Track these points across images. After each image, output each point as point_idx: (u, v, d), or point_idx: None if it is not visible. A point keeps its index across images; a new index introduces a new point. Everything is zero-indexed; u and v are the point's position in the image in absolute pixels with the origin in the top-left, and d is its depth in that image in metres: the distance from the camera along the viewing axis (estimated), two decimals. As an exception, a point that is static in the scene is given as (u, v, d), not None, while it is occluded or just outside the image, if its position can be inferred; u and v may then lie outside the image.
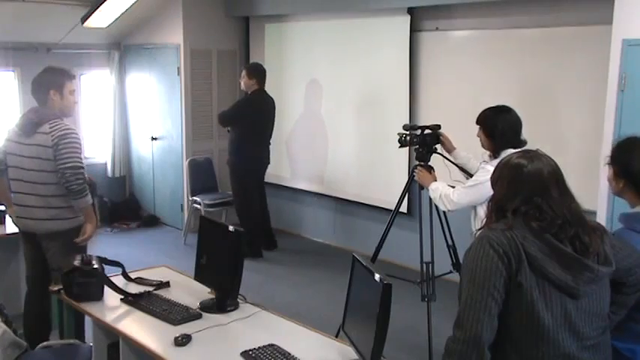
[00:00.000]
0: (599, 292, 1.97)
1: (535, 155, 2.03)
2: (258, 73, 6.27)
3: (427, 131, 3.98)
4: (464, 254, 2.02)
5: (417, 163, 4.00)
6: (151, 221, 7.60)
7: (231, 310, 3.03)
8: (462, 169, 3.94)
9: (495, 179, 2.08)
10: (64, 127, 3.70)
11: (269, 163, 6.51)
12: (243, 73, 6.32)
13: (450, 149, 3.96)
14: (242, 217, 6.35)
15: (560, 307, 1.90)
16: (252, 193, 6.38)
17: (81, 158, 3.71)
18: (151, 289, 3.27)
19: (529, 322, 1.89)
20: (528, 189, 1.96)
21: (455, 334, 1.93)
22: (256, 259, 6.21)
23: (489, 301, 1.88)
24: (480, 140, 3.56)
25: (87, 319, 3.28)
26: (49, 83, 3.77)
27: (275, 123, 6.45)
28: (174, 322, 2.88)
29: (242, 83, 6.32)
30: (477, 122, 3.55)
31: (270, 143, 6.45)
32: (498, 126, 3.44)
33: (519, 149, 3.35)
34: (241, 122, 6.20)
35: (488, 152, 3.56)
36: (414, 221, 4.85)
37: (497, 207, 2.03)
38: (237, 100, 6.44)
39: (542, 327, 1.89)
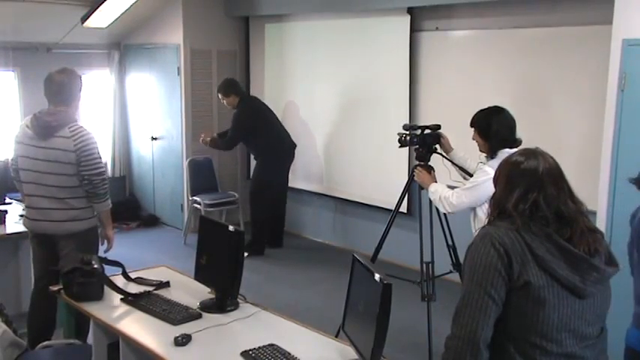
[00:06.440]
0: (603, 292, 1.97)
1: (533, 153, 2.04)
2: (231, 87, 6.31)
3: (427, 131, 3.99)
4: (466, 249, 2.02)
5: (417, 163, 4.00)
6: (151, 221, 7.61)
7: (231, 310, 3.03)
8: (461, 168, 3.95)
9: (496, 178, 2.10)
10: (85, 131, 3.70)
11: (295, 145, 6.51)
12: (220, 95, 6.36)
13: (447, 149, 3.97)
14: (254, 212, 6.40)
15: (568, 307, 1.90)
16: (272, 190, 6.42)
17: (102, 162, 3.78)
18: (150, 289, 3.27)
19: (535, 320, 1.89)
20: (524, 185, 1.96)
21: (452, 330, 1.94)
22: (256, 258, 6.21)
23: (486, 299, 1.89)
24: (476, 142, 3.58)
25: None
26: (78, 87, 3.79)
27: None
28: (174, 322, 2.88)
29: (225, 104, 6.35)
30: (471, 125, 3.58)
31: (282, 126, 6.50)
32: (492, 126, 3.46)
33: (515, 148, 3.38)
34: (251, 135, 6.22)
35: (484, 154, 3.58)
36: (414, 221, 4.85)
37: (496, 204, 2.04)
38: (233, 120, 6.31)
39: (548, 326, 1.88)
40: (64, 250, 3.71)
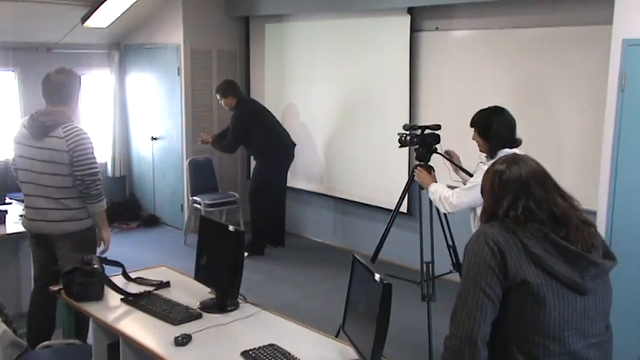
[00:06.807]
0: (604, 287, 1.98)
1: (513, 159, 2.06)
2: (230, 88, 6.30)
3: (427, 131, 3.99)
4: (464, 248, 2.04)
5: (417, 163, 4.00)
6: (151, 221, 7.61)
7: (232, 310, 3.03)
8: (462, 169, 3.95)
9: (482, 189, 2.13)
10: (79, 131, 3.67)
11: (295, 144, 6.50)
12: (218, 96, 6.35)
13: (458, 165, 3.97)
14: (254, 212, 6.40)
15: (569, 305, 1.91)
16: (272, 190, 6.43)
17: (97, 163, 3.72)
18: (151, 289, 3.27)
19: (535, 319, 1.89)
20: (511, 193, 1.98)
21: (450, 329, 1.95)
22: (256, 258, 6.21)
23: (481, 297, 1.90)
24: (476, 142, 3.58)
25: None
26: (77, 87, 3.76)
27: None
28: (175, 322, 2.88)
29: (223, 104, 6.34)
30: (471, 125, 3.59)
31: (281, 126, 6.50)
32: (492, 127, 3.47)
33: (515, 148, 3.39)
34: (251, 136, 6.23)
35: (484, 154, 3.58)
36: (414, 221, 4.85)
37: (487, 214, 2.06)
38: (231, 122, 6.31)
39: (549, 325, 1.89)
40: (60, 250, 3.71)
